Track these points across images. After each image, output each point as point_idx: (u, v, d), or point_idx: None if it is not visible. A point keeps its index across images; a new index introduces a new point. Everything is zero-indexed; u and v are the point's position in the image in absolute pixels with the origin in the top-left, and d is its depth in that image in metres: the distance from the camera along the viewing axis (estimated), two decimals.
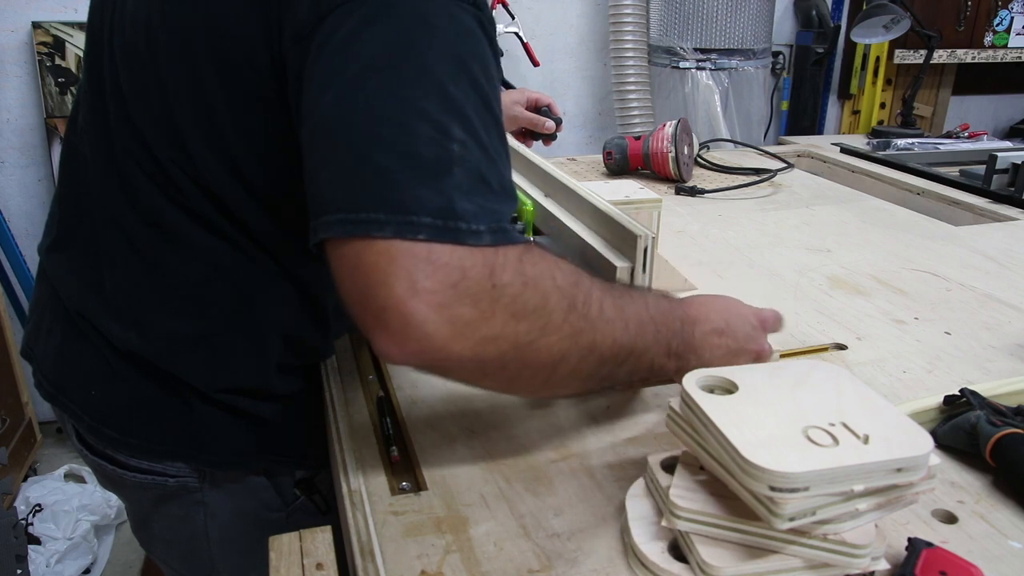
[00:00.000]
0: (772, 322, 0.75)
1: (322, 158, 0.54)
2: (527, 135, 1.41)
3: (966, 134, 1.98)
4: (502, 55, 2.42)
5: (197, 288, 0.73)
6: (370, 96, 0.53)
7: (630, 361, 0.62)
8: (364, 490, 0.63)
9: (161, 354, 0.75)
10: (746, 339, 0.70)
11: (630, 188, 1.01)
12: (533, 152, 1.08)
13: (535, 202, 0.95)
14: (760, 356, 0.71)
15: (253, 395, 0.77)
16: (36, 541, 1.86)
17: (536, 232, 0.95)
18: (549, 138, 1.40)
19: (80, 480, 2.10)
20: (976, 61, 3.00)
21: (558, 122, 1.38)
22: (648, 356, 0.63)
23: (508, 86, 2.49)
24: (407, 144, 0.52)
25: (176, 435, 0.77)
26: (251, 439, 0.80)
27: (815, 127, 2.93)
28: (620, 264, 0.74)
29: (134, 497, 0.86)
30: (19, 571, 1.55)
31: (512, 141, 1.17)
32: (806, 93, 2.84)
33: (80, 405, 0.79)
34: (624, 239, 0.76)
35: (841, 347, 0.88)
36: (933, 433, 0.66)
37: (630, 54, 2.41)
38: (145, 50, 0.68)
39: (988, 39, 3.00)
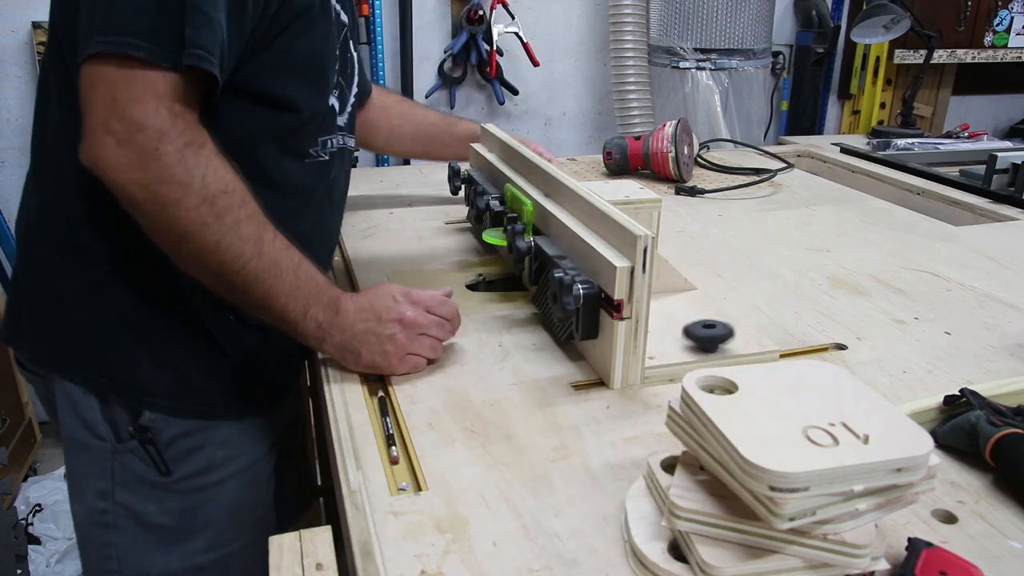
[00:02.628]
0: (434, 305, 0.81)
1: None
2: None
3: (966, 134, 1.99)
4: None
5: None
6: None
7: (258, 292, 0.75)
8: (364, 490, 0.63)
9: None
10: (386, 310, 0.79)
11: (630, 188, 1.01)
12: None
13: (535, 202, 0.95)
14: (403, 322, 0.78)
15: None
16: (36, 541, 1.86)
17: (536, 232, 0.95)
18: None
19: None
20: (976, 61, 3.00)
21: None
22: (280, 302, 0.76)
23: (510, 88, 2.50)
24: None
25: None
26: (75, 333, 0.85)
27: (815, 127, 2.93)
28: (620, 264, 0.74)
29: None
30: (19, 571, 1.55)
31: (513, 141, 1.16)
32: (806, 93, 2.85)
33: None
34: (624, 239, 0.76)
35: (841, 347, 0.88)
36: (933, 433, 0.66)
37: (630, 54, 2.41)
38: None
39: (988, 39, 3.00)
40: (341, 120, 0.95)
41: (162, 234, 0.73)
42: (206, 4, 0.69)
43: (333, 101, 0.91)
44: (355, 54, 1.01)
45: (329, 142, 0.92)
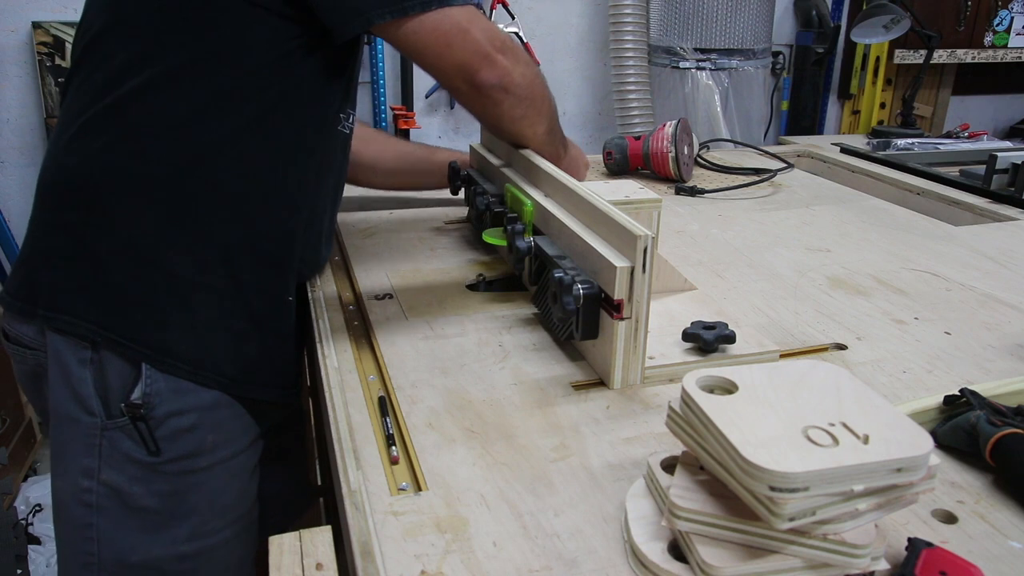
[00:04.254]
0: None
1: None
2: None
3: (966, 134, 1.99)
4: None
5: None
6: None
7: (557, 124, 1.03)
8: (364, 490, 0.63)
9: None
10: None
11: (630, 188, 1.01)
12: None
13: (535, 202, 0.95)
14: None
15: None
16: (36, 541, 1.86)
17: (536, 232, 0.95)
18: None
19: None
20: (976, 61, 3.00)
21: None
22: (557, 128, 1.04)
23: None
24: None
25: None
26: (83, 279, 0.85)
27: (815, 127, 2.93)
28: (620, 264, 0.74)
29: None
30: (19, 571, 1.56)
31: None
32: (806, 93, 2.85)
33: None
34: (624, 239, 0.76)
35: (841, 347, 0.88)
36: (933, 433, 0.66)
37: (630, 54, 2.41)
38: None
39: (988, 39, 3.00)
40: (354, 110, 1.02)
41: (532, 102, 0.95)
42: None
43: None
44: None
45: (350, 117, 0.97)
